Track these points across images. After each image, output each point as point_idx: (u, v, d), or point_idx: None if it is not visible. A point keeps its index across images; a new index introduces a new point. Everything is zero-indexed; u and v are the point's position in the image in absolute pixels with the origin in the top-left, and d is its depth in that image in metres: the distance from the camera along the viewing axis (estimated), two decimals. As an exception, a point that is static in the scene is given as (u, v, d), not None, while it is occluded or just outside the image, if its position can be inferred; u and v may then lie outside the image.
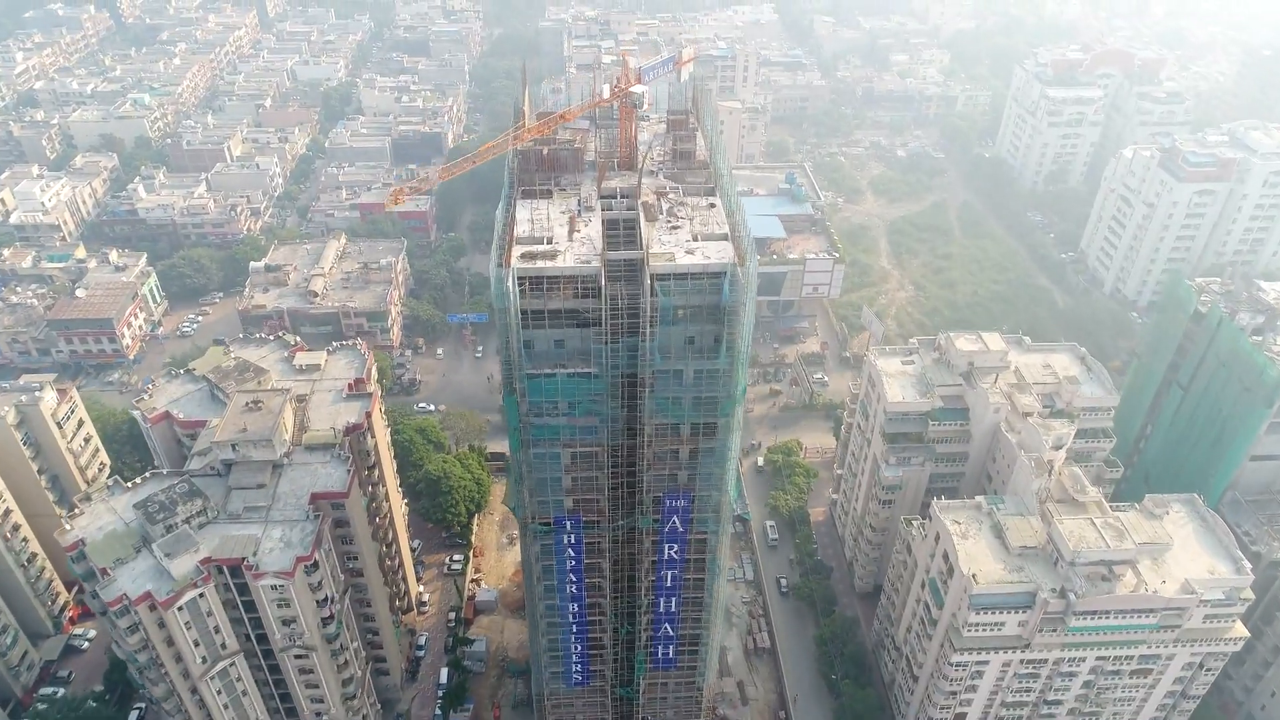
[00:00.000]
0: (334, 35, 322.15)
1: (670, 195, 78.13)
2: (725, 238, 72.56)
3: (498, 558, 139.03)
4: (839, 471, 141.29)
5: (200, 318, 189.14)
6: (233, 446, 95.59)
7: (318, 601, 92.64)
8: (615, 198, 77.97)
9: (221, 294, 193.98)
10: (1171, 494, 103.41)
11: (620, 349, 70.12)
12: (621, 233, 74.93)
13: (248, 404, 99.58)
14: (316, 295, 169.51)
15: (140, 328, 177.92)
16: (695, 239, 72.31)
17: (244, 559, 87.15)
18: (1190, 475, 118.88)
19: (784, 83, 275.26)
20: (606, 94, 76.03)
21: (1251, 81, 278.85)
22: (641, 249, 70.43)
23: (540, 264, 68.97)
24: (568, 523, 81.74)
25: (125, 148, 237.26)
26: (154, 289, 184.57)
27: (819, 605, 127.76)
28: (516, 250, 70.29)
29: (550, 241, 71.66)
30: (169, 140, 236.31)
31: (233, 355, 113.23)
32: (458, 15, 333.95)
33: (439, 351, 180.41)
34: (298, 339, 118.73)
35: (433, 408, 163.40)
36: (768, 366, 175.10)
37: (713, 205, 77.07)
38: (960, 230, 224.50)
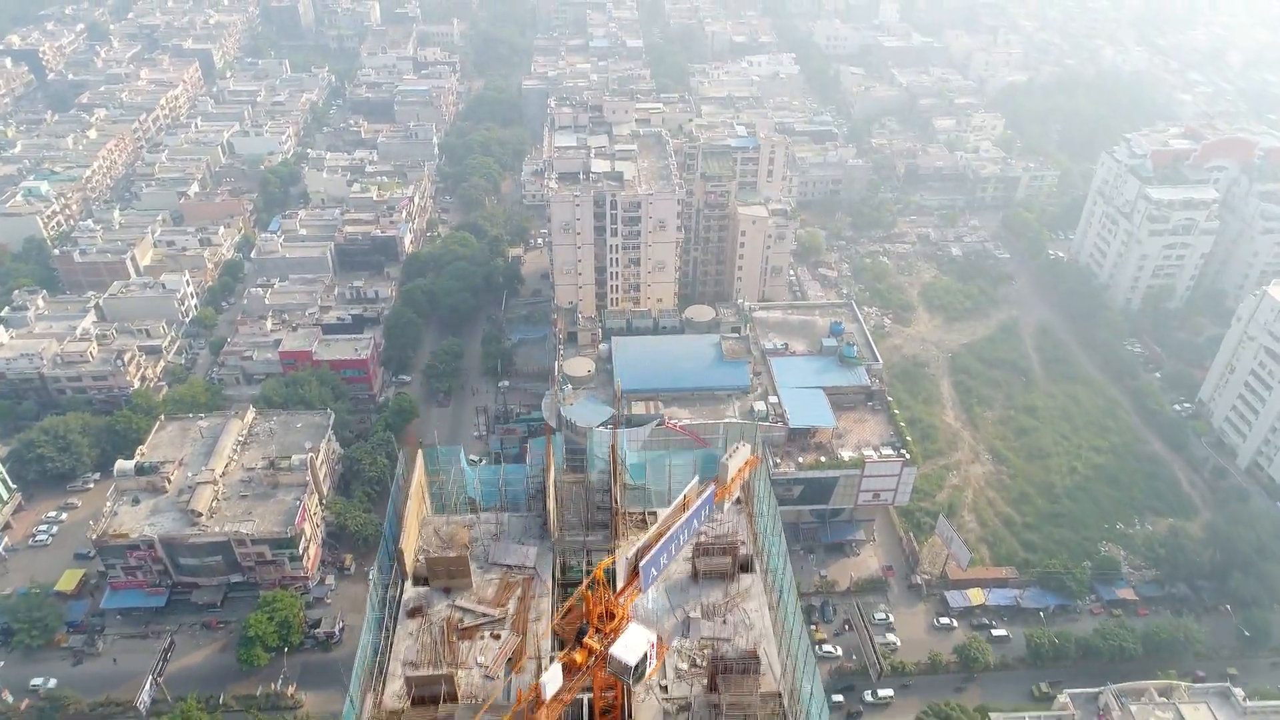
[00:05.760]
0: (286, 94, 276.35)
1: None
2: None
3: None
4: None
5: (65, 514, 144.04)
6: None
7: None
8: None
9: (98, 475, 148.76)
10: None
11: None
12: None
13: None
14: (201, 515, 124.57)
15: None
16: None
17: None
18: None
19: (812, 160, 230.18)
20: (575, 661, 30.83)
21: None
22: None
23: None
24: None
25: (8, 256, 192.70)
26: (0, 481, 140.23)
27: None
28: None
29: None
30: (58, 251, 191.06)
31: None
32: (431, 69, 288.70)
33: (371, 574, 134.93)
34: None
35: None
36: (809, 598, 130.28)
37: None
38: (1041, 367, 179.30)
